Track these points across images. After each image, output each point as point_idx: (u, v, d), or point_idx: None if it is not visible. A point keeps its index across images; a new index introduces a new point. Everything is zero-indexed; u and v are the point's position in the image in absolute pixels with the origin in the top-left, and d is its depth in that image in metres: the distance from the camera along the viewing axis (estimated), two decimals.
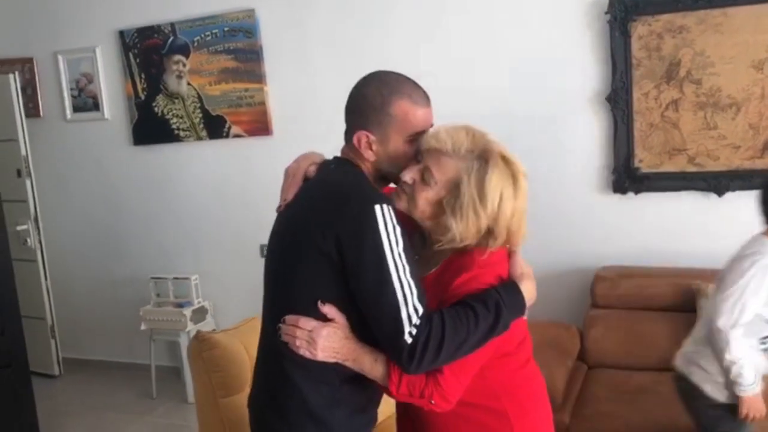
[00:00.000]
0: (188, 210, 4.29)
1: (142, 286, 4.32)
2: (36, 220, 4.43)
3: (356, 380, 1.52)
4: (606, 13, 3.19)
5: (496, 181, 1.47)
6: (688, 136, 3.16)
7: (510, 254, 1.56)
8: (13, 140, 4.31)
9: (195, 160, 4.22)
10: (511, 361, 1.59)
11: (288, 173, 1.66)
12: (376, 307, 1.44)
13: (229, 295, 4.14)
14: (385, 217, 1.43)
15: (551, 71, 3.36)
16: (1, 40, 4.55)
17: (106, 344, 4.67)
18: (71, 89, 4.46)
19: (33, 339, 3.93)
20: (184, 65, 4.10)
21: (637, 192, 3.28)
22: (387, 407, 2.64)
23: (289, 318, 1.50)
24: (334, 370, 1.49)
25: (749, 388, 2.13)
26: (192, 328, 3.97)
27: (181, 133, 4.20)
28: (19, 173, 4.36)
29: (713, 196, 3.17)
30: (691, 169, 3.17)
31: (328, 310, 1.48)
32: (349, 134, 1.58)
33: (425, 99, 1.57)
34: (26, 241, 4.42)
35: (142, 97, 4.26)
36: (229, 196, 4.15)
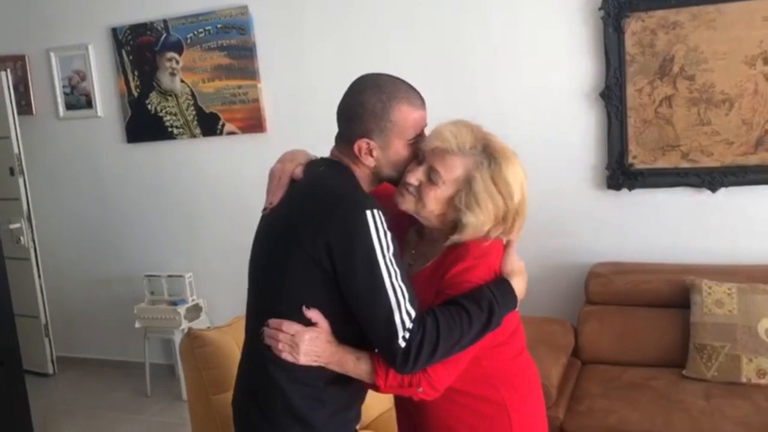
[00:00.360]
0: (182, 207, 4.28)
1: (136, 284, 4.31)
2: (29, 218, 4.41)
3: (339, 380, 1.52)
4: (599, 9, 3.19)
5: (513, 171, 1.51)
6: (682, 132, 3.16)
7: (505, 248, 1.57)
8: (6, 138, 4.29)
9: (189, 158, 4.20)
10: (505, 350, 1.61)
11: (273, 175, 1.64)
12: (370, 313, 1.44)
13: (223, 292, 4.13)
14: (376, 222, 1.43)
15: (545, 67, 3.36)
16: None
17: (100, 342, 4.66)
18: (64, 87, 4.44)
19: (27, 337, 3.93)
20: (178, 62, 4.09)
21: (631, 188, 3.28)
22: (384, 402, 2.66)
23: (273, 322, 1.50)
24: (317, 371, 1.50)
25: None
26: (186, 325, 3.96)
27: (175, 131, 4.19)
28: (11, 171, 4.35)
29: (707, 192, 3.17)
30: (685, 165, 3.17)
31: (312, 314, 1.48)
32: (346, 141, 1.56)
33: (421, 100, 1.57)
34: (19, 239, 4.40)
35: (136, 95, 4.25)
36: (223, 194, 4.14)
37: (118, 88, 4.30)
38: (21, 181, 4.35)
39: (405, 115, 1.51)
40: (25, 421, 3.44)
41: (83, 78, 4.37)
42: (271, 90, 3.93)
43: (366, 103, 1.51)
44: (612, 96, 3.22)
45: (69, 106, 4.46)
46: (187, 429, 2.43)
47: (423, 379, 1.47)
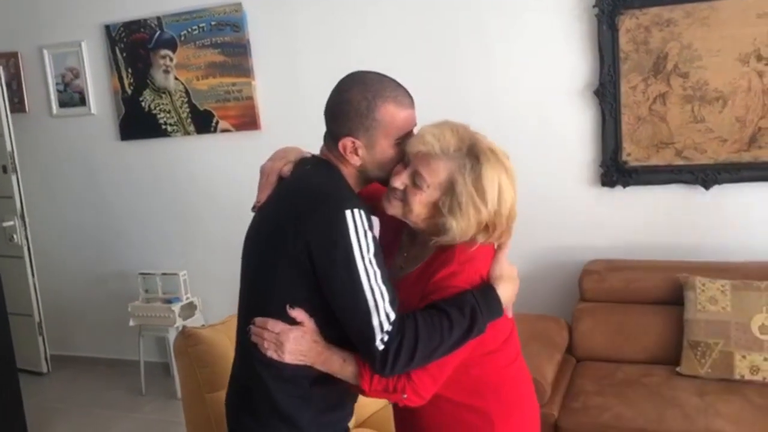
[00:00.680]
0: (176, 205, 4.27)
1: (130, 282, 4.30)
2: (22, 216, 4.40)
3: (325, 381, 1.51)
4: (594, 6, 3.19)
5: (492, 176, 1.46)
6: (676, 130, 3.16)
7: (496, 251, 1.54)
8: None
9: (183, 155, 4.19)
10: (497, 358, 1.58)
11: (263, 172, 1.64)
12: (348, 313, 1.44)
13: (218, 290, 4.12)
14: (356, 222, 1.41)
15: (539, 65, 3.36)
16: None
17: (94, 341, 4.65)
18: (57, 84, 4.42)
19: (20, 336, 3.92)
20: (171, 60, 4.07)
21: (625, 185, 3.29)
22: (380, 400, 2.65)
23: (258, 320, 1.50)
24: (303, 371, 1.49)
25: None
26: (181, 323, 3.95)
27: (169, 128, 4.17)
28: (4, 169, 4.33)
29: (700, 189, 3.18)
30: (679, 162, 3.18)
31: (297, 314, 1.48)
32: (332, 139, 1.54)
33: (409, 99, 1.54)
34: (12, 237, 4.38)
35: (129, 92, 4.23)
36: (217, 191, 4.13)
37: (111, 86, 4.28)
38: (14, 178, 4.33)
39: (391, 114, 1.49)
40: (19, 420, 3.43)
41: (77, 75, 4.35)
42: (265, 87, 3.92)
43: (351, 100, 1.49)
44: (606, 93, 3.23)
45: (62, 104, 4.44)
46: (181, 427, 2.43)
47: (408, 386, 1.45)
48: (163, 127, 4.18)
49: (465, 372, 1.53)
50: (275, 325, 1.48)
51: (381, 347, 1.40)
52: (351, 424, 1.71)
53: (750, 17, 2.98)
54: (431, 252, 1.54)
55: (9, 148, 4.29)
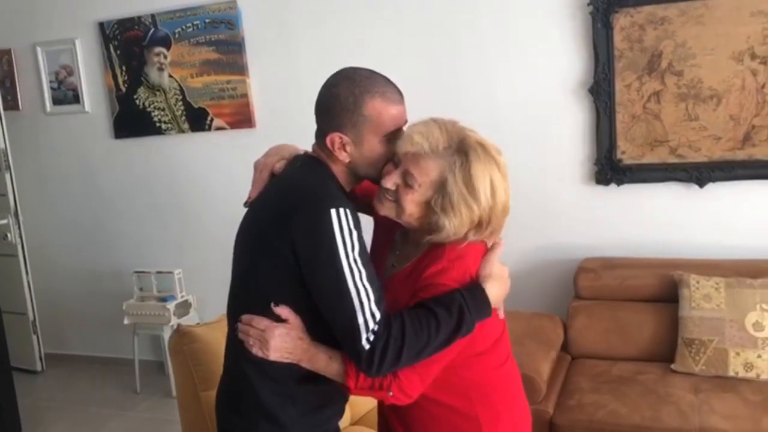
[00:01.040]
0: (171, 203, 4.26)
1: (124, 281, 4.29)
2: (16, 214, 4.38)
3: (311, 379, 1.51)
4: (588, 4, 3.19)
5: (482, 171, 1.45)
6: (670, 128, 3.17)
7: (489, 250, 1.53)
8: None
9: (177, 153, 4.18)
10: (487, 360, 1.57)
11: (256, 168, 1.64)
12: (333, 312, 1.43)
13: (212, 288, 4.09)
14: (341, 220, 1.41)
15: (534, 63, 3.36)
16: None
17: (88, 339, 4.64)
18: (51, 81, 4.40)
19: (14, 335, 3.90)
20: (166, 57, 4.06)
21: (619, 183, 3.29)
22: (369, 400, 2.65)
23: (245, 317, 1.50)
24: (288, 369, 1.49)
25: None
26: (175, 322, 3.94)
27: (163, 126, 4.16)
28: None
29: (694, 187, 3.19)
30: (673, 160, 3.19)
31: (282, 311, 1.47)
32: (321, 135, 1.54)
33: (398, 96, 1.53)
34: (6, 235, 4.37)
35: (123, 90, 4.22)
36: (212, 189, 4.12)
37: (105, 83, 4.27)
38: (8, 176, 4.31)
39: (378, 110, 1.48)
40: (13, 419, 3.42)
41: (70, 73, 4.34)
42: (260, 85, 3.92)
43: (339, 96, 1.49)
44: (600, 91, 3.23)
45: (56, 102, 4.42)
46: (176, 425, 2.42)
47: (394, 383, 1.44)
48: (158, 125, 4.17)
49: (454, 373, 1.52)
50: (260, 322, 1.48)
51: (367, 346, 1.39)
52: (344, 422, 1.71)
53: (744, 16, 2.99)
54: (423, 249, 1.54)
55: (2, 146, 4.27)
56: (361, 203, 1.77)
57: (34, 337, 4.51)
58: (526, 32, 3.36)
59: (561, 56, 3.31)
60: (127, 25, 4.12)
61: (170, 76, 4.08)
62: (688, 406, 2.57)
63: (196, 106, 4.06)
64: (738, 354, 2.73)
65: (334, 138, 1.50)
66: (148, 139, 4.23)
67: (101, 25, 4.18)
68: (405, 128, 1.53)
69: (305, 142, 1.69)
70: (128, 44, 4.15)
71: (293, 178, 1.55)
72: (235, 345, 1.54)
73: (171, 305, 4.00)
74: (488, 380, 1.57)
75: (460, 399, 1.54)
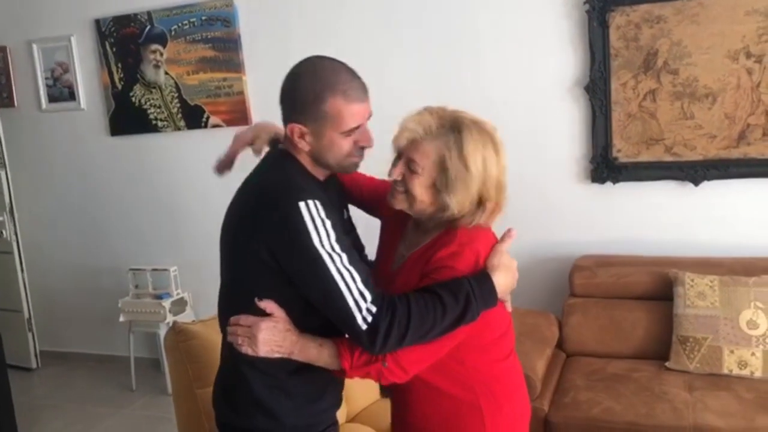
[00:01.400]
0: (166, 201, 4.25)
1: (120, 278, 4.28)
2: (11, 211, 4.37)
3: (304, 371, 1.52)
4: (584, 3, 3.20)
5: (473, 147, 1.48)
6: (666, 126, 3.18)
7: (500, 241, 1.57)
8: None
9: (173, 151, 4.18)
10: (492, 351, 1.60)
11: (234, 139, 1.74)
12: (323, 302, 1.45)
13: (208, 286, 4.05)
14: (311, 213, 1.42)
15: (530, 61, 3.37)
16: None
17: (84, 336, 4.63)
18: (46, 79, 4.39)
19: (9, 332, 3.90)
20: (162, 54, 4.06)
21: (615, 181, 3.30)
22: (372, 393, 2.66)
23: (232, 319, 1.52)
24: (280, 362, 1.50)
25: None
26: (171, 319, 3.94)
27: (159, 123, 4.16)
28: None
29: (690, 185, 3.20)
30: (668, 158, 3.20)
31: (266, 305, 1.49)
32: (284, 123, 1.56)
33: (360, 92, 1.51)
34: (1, 233, 4.36)
35: (119, 87, 4.21)
36: (207, 187, 4.10)
37: (101, 81, 4.26)
38: (3, 174, 4.31)
39: (338, 108, 1.47)
40: (8, 416, 3.41)
41: (66, 70, 4.33)
42: (256, 83, 3.91)
43: (300, 89, 1.50)
44: (596, 90, 3.24)
45: (52, 99, 4.41)
46: (172, 423, 2.43)
47: (389, 355, 1.45)
48: (154, 122, 4.17)
49: (459, 363, 1.54)
50: (246, 319, 1.49)
51: (364, 326, 1.41)
52: (340, 419, 1.72)
53: (739, 15, 3.00)
54: (433, 235, 1.57)
55: None
56: (366, 206, 1.79)
57: (30, 335, 4.51)
58: (522, 31, 3.36)
59: (557, 55, 3.32)
60: (123, 22, 4.11)
61: (166, 73, 4.07)
62: (683, 404, 2.58)
63: (192, 104, 4.06)
64: (732, 352, 2.74)
65: (294, 128, 1.51)
66: (144, 137, 4.22)
67: (97, 22, 4.17)
68: (400, 122, 1.55)
69: None
70: (124, 41, 4.14)
71: (262, 179, 1.56)
72: (226, 341, 1.57)
73: (167, 302, 3.99)
74: (491, 371, 1.60)
75: (465, 389, 1.57)
